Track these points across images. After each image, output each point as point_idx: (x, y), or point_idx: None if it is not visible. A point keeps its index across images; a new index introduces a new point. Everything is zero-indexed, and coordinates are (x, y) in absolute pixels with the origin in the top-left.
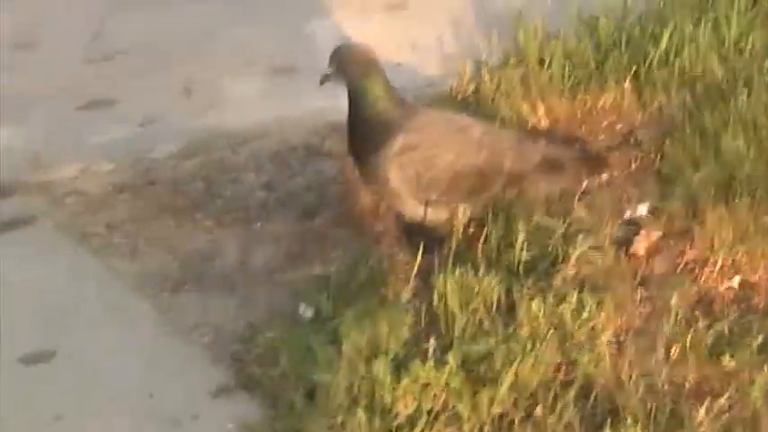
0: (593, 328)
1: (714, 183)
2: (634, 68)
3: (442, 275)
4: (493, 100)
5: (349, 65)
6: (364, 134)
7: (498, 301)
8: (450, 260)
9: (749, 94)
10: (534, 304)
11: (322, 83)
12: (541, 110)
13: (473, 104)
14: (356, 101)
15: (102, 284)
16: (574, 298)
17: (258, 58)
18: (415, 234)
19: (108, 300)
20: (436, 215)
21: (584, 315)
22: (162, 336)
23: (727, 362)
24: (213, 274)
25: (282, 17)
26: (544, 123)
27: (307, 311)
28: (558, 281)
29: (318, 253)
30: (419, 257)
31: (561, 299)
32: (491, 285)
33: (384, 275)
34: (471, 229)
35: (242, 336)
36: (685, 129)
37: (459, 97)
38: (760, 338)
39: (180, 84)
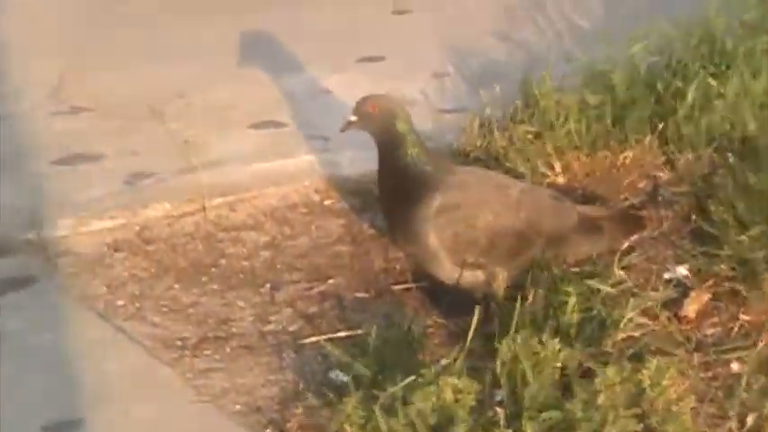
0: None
1: (765, 243)
2: (657, 124)
3: (506, 340)
4: (505, 156)
5: (373, 111)
6: (398, 188)
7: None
8: (514, 324)
9: None
10: (611, 370)
11: (343, 130)
12: (558, 167)
13: (482, 161)
14: (386, 152)
15: (118, 349)
16: (653, 365)
17: (238, 115)
18: (446, 297)
19: (128, 365)
20: (474, 277)
21: (665, 382)
22: (190, 404)
23: None
24: (232, 337)
25: (254, 75)
26: (561, 181)
27: (339, 376)
28: (608, 346)
29: (339, 316)
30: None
31: (636, 365)
32: (556, 350)
33: (420, 340)
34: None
35: (277, 402)
36: (727, 187)
37: (465, 154)
38: None
39: (164, 140)
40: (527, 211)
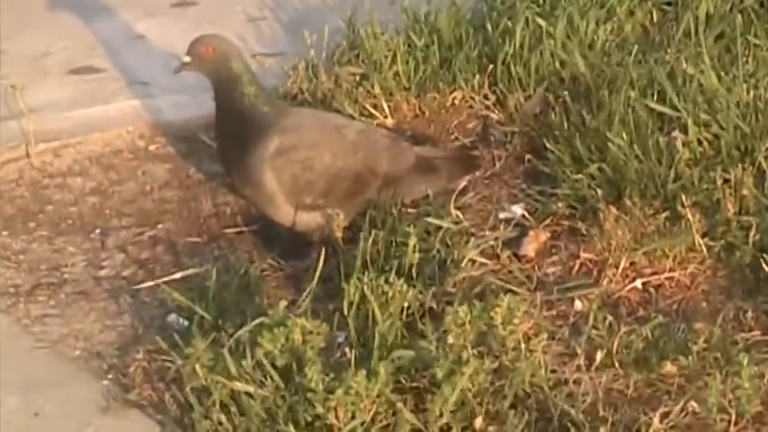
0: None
1: (603, 182)
2: (486, 65)
3: (353, 280)
4: (332, 99)
5: (207, 53)
6: (235, 130)
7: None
8: (359, 264)
9: (616, 91)
10: (461, 309)
11: (177, 71)
12: (387, 109)
13: (309, 105)
14: (225, 93)
15: None
16: (505, 303)
17: (54, 62)
18: (281, 240)
19: None
20: (311, 219)
21: (515, 320)
22: (28, 350)
23: (669, 368)
24: (65, 283)
25: (66, 22)
26: (390, 123)
27: (179, 321)
28: (450, 285)
29: (172, 261)
30: (315, 264)
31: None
32: (403, 290)
33: (257, 282)
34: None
35: (117, 347)
36: (562, 126)
37: (291, 97)
38: (700, 343)
39: None
40: (364, 152)
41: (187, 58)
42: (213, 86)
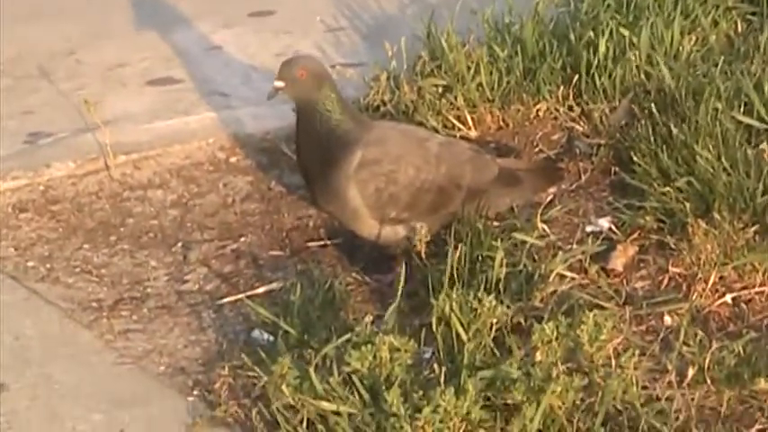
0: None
1: (691, 195)
2: (570, 76)
3: (442, 296)
4: (415, 111)
5: (301, 77)
6: (318, 150)
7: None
8: (447, 279)
9: (703, 102)
10: (548, 326)
11: (270, 97)
12: (470, 121)
13: (391, 117)
14: (308, 115)
15: (33, 312)
16: (590, 319)
17: (132, 72)
18: (364, 254)
19: (45, 328)
20: (394, 233)
21: (603, 336)
22: (113, 366)
23: (762, 384)
24: (148, 298)
25: (143, 32)
26: (474, 135)
27: (263, 336)
28: (537, 300)
29: (256, 275)
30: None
31: (574, 320)
32: (492, 306)
33: (342, 297)
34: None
35: (201, 363)
36: (649, 138)
37: (373, 109)
38: None
39: (58, 99)
40: (447, 165)
41: (280, 83)
42: (298, 106)
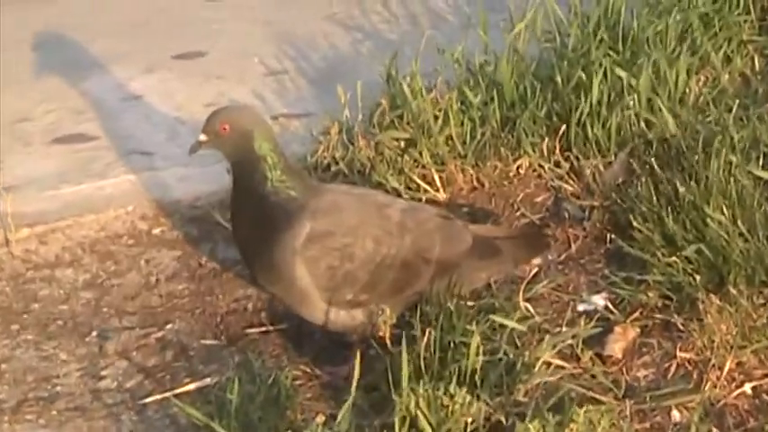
0: None
1: (702, 266)
2: (556, 126)
3: (407, 390)
4: (372, 170)
5: (224, 132)
6: (257, 220)
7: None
8: (413, 370)
9: (714, 155)
10: (533, 424)
11: (192, 151)
12: (438, 181)
13: (345, 177)
14: (243, 177)
15: None
16: (580, 415)
17: (36, 128)
18: (314, 341)
19: None
20: (350, 318)
21: None
22: None
23: None
24: (58, 397)
25: (49, 80)
26: (442, 197)
27: None
28: (521, 394)
29: (185, 368)
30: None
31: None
32: (466, 402)
33: (288, 394)
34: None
35: None
36: (651, 199)
37: (323, 168)
38: None
39: None
40: (412, 235)
41: (203, 137)
42: (231, 167)
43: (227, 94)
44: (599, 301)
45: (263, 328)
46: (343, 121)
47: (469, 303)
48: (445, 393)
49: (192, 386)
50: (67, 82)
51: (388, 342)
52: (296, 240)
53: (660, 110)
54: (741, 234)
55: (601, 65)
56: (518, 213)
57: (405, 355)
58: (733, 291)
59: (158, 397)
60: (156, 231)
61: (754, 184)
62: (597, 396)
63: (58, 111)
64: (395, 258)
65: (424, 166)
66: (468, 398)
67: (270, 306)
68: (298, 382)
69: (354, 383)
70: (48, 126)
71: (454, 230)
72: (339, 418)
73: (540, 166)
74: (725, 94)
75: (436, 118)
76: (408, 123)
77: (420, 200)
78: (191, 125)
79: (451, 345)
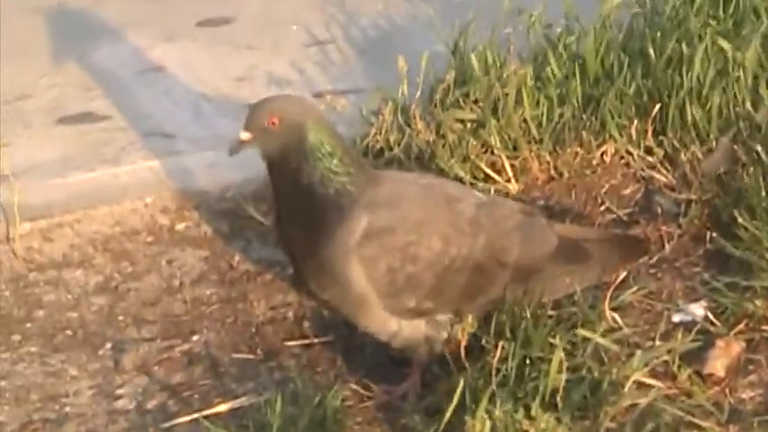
0: None
1: None
2: (648, 106)
3: (480, 412)
4: (432, 156)
5: (273, 126)
6: (306, 213)
7: None
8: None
9: None
10: None
11: (233, 153)
12: (509, 169)
13: (400, 165)
14: (292, 168)
15: None
16: None
17: (38, 106)
18: (367, 355)
19: None
20: (413, 330)
21: None
22: None
23: None
24: (67, 419)
25: (54, 50)
26: (514, 188)
27: None
28: (607, 418)
29: (215, 386)
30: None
31: None
32: (550, 425)
33: (337, 417)
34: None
35: None
36: (759, 191)
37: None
38: None
39: None
40: (488, 235)
41: (246, 135)
42: (274, 161)
43: (259, 67)
44: (698, 310)
45: (306, 341)
46: (399, 99)
47: (550, 313)
48: (524, 416)
49: (223, 407)
50: (73, 53)
51: (462, 354)
52: (351, 237)
53: None
54: None
55: (700, 36)
56: (602, 208)
57: (478, 373)
58: None
59: (184, 419)
60: (180, 227)
61: None
62: (696, 421)
63: (63, 86)
64: (466, 260)
65: (492, 153)
66: (551, 421)
67: (314, 315)
68: (347, 403)
69: (414, 404)
70: (51, 104)
71: (536, 230)
72: None
73: (629, 152)
74: None
75: (508, 96)
76: (476, 102)
77: (488, 192)
78: (217, 103)
79: (529, 361)
